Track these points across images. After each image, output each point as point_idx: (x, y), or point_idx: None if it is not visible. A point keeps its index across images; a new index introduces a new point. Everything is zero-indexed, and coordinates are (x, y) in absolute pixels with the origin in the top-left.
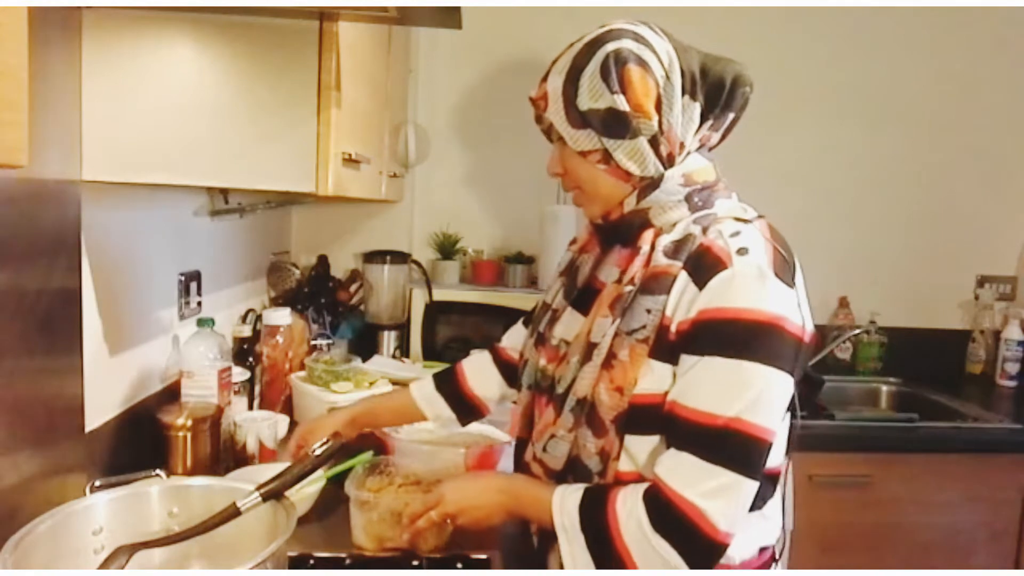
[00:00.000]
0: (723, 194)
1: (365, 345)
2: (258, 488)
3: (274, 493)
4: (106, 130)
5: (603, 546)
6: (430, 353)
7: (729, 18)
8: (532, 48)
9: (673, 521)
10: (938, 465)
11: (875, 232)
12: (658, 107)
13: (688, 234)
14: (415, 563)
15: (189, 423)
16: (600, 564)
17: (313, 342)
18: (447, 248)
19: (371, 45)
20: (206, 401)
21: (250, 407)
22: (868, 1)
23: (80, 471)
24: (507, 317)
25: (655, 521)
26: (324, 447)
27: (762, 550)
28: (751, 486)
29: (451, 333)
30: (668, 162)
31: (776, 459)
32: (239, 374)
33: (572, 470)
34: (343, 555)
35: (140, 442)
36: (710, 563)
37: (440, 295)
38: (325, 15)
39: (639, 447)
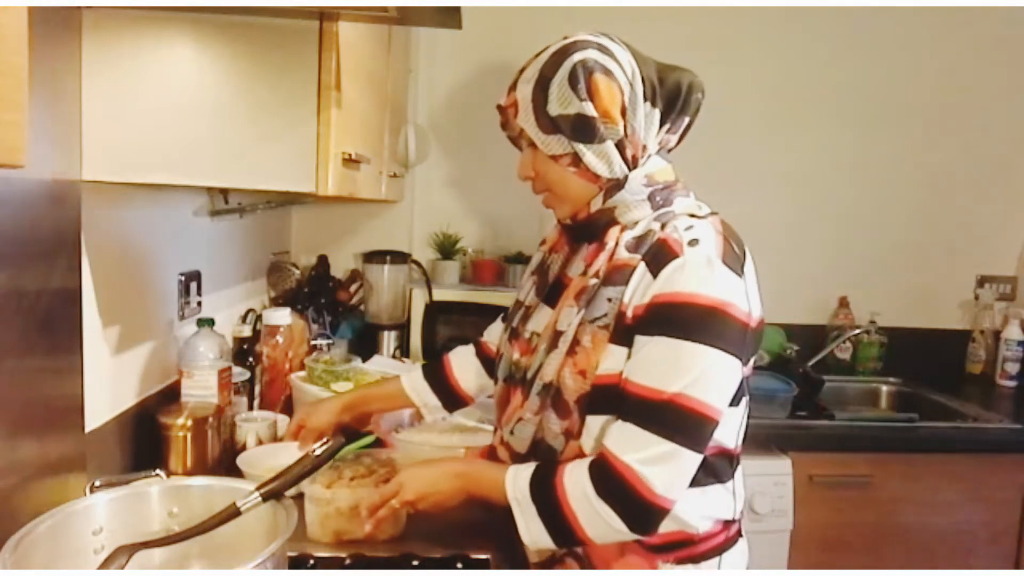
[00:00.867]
0: (681, 192)
1: (365, 345)
2: (258, 488)
3: (274, 493)
4: (106, 130)
5: (552, 513)
6: (430, 353)
7: (729, 18)
8: (532, 48)
9: (615, 486)
10: (938, 465)
11: (875, 232)
12: (623, 113)
13: (649, 230)
14: (415, 563)
15: (189, 423)
16: (552, 531)
17: (313, 342)
18: (447, 248)
19: (371, 45)
20: (206, 401)
21: (250, 407)
22: (868, 1)
23: (80, 471)
24: None
25: (598, 487)
26: (324, 447)
27: (726, 523)
28: (692, 458)
29: (451, 333)
30: (632, 164)
31: (730, 440)
32: (239, 374)
33: (535, 452)
34: (343, 555)
35: (140, 442)
36: (649, 526)
37: (440, 295)
38: (325, 15)
39: (597, 425)
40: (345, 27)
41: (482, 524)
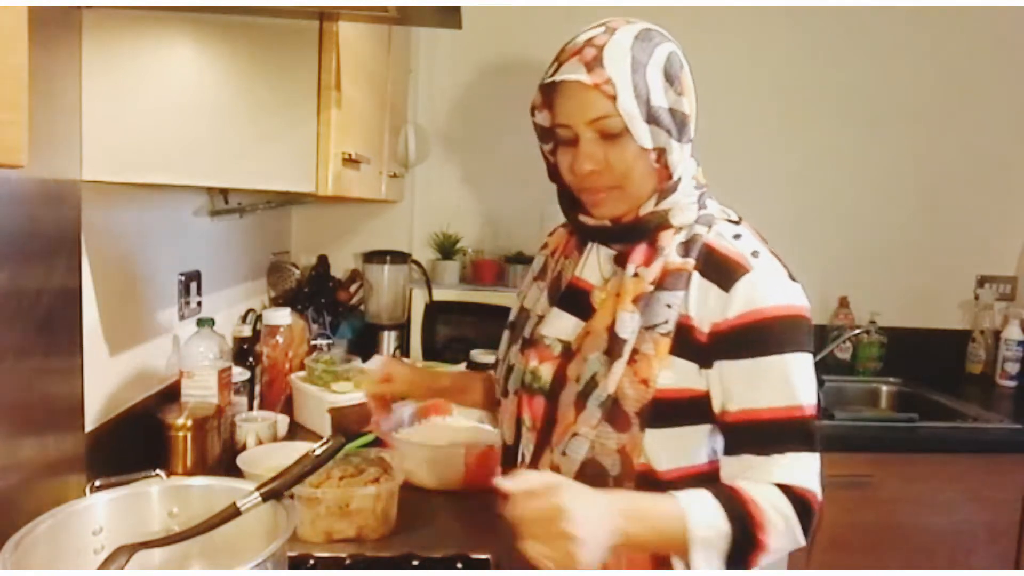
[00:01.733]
0: (709, 195)
1: (365, 345)
2: (258, 488)
3: (274, 493)
4: (106, 130)
5: (744, 547)
6: (430, 353)
7: (729, 19)
8: (532, 48)
9: (807, 517)
10: (938, 465)
11: (875, 232)
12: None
13: (695, 234)
14: (415, 563)
15: (189, 423)
16: (733, 559)
17: (313, 342)
18: (447, 248)
19: (371, 45)
20: (206, 401)
21: (250, 407)
22: (868, 1)
23: (80, 471)
24: (507, 317)
25: (803, 522)
26: (324, 447)
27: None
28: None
29: (451, 333)
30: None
31: None
32: (239, 374)
33: (584, 473)
34: (343, 555)
35: (140, 442)
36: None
37: (440, 295)
38: (325, 15)
39: (655, 441)
40: (345, 27)
41: (482, 524)
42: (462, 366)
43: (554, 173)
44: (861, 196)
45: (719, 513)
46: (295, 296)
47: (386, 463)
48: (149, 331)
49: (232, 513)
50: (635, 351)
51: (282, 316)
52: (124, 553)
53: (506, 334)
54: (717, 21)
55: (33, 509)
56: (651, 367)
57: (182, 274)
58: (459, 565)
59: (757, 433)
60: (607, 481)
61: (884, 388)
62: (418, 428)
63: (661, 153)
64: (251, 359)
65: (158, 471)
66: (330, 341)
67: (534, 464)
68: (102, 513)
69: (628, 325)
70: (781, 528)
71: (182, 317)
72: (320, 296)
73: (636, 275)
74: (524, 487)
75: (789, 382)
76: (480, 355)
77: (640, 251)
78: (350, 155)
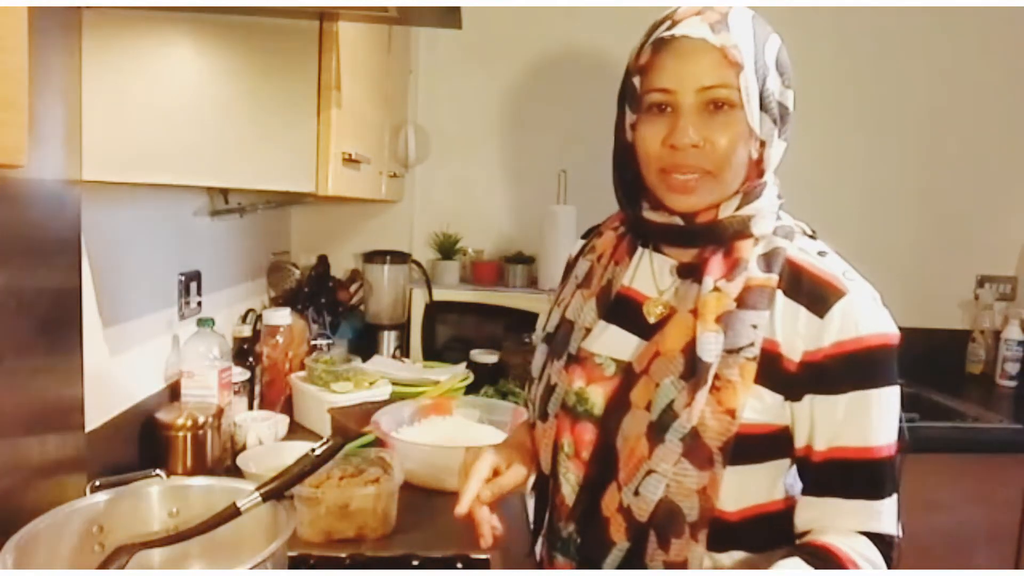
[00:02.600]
0: (784, 206)
1: (365, 345)
2: (258, 488)
3: (274, 493)
4: (106, 130)
5: None
6: (430, 353)
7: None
8: (532, 48)
9: (891, 558)
10: (938, 465)
11: (875, 233)
12: None
13: (776, 247)
14: (415, 563)
15: (189, 423)
16: None
17: (313, 342)
18: (447, 248)
19: (371, 45)
20: (206, 401)
21: (250, 407)
22: (871, 2)
23: (80, 471)
24: (507, 317)
25: (887, 563)
26: (324, 447)
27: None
28: None
29: (451, 333)
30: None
31: None
32: (239, 374)
33: (656, 520)
34: (343, 555)
35: (140, 442)
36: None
37: (440, 295)
38: (325, 15)
39: (730, 480)
40: (345, 27)
41: None
42: (462, 366)
43: (624, 154)
44: (861, 197)
45: None
46: (295, 296)
47: (386, 463)
48: (149, 331)
49: (232, 513)
50: (716, 376)
51: (282, 316)
52: (124, 553)
53: (542, 348)
54: None
55: (33, 509)
56: (736, 396)
57: (182, 274)
58: (459, 565)
59: (846, 475)
60: (682, 528)
61: None
62: (418, 428)
63: (762, 146)
64: (251, 359)
65: (158, 471)
66: (330, 341)
67: (589, 501)
68: (102, 513)
69: (712, 347)
70: None
71: (182, 317)
72: (320, 296)
73: (716, 289)
74: None
75: (883, 419)
76: (480, 355)
77: (717, 261)
78: (350, 155)
